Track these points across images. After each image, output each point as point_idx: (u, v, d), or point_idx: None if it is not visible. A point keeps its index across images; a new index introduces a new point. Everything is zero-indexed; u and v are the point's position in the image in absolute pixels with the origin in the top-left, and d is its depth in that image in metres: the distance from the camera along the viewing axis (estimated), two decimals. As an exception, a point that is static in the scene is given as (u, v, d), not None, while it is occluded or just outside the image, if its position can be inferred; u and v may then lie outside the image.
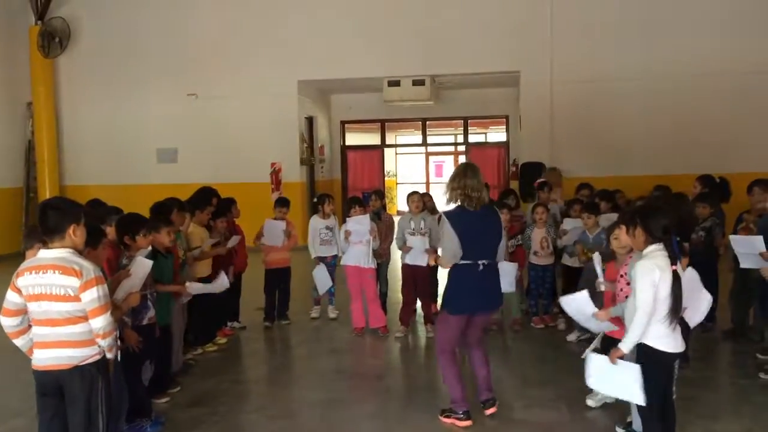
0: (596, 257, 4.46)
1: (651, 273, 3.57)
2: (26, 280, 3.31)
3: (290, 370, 6.24)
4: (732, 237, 5.71)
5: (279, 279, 7.50)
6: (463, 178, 4.53)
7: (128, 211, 4.91)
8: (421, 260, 6.64)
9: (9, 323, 3.41)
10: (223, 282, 5.77)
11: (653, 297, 3.56)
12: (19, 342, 3.47)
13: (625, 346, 3.68)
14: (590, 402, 4.87)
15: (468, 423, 4.60)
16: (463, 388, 4.67)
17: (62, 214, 3.33)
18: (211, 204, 6.62)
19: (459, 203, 4.55)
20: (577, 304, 4.22)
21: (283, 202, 7.57)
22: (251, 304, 7.78)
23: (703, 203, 6.52)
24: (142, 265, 4.24)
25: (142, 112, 13.55)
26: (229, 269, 6.88)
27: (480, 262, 4.52)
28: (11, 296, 3.36)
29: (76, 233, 3.34)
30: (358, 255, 6.91)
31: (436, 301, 7.74)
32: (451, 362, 4.67)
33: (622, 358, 3.71)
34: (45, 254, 3.33)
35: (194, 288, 5.42)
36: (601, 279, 4.35)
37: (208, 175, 11.61)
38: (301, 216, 12.31)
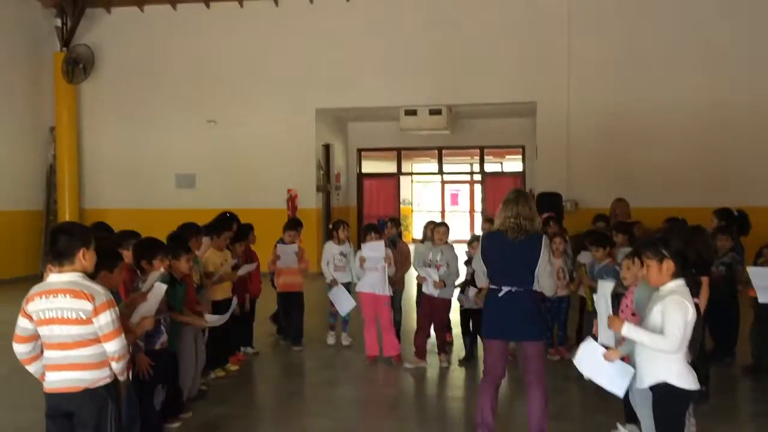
0: (601, 294, 4.30)
1: (686, 313, 3.49)
2: (37, 305, 3.31)
3: (302, 398, 6.19)
4: (750, 269, 5.63)
5: (292, 302, 7.51)
6: (515, 206, 4.46)
7: (146, 236, 4.94)
8: (432, 290, 6.66)
9: (21, 350, 3.41)
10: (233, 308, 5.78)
11: (683, 336, 3.49)
12: (31, 368, 3.47)
13: (626, 330, 3.58)
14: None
15: None
16: (492, 416, 4.50)
17: (72, 239, 3.36)
18: (230, 229, 6.65)
19: (502, 229, 4.48)
20: (588, 355, 4.02)
21: (291, 225, 7.61)
22: (265, 329, 7.75)
23: (723, 235, 6.45)
24: (157, 290, 4.26)
25: (162, 138, 13.76)
26: (246, 297, 6.91)
27: (504, 288, 4.43)
28: (22, 323, 3.36)
29: (85, 257, 3.36)
30: (373, 282, 6.87)
31: (450, 331, 7.69)
32: (487, 388, 4.54)
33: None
34: (55, 279, 3.35)
35: (212, 320, 5.42)
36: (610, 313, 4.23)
37: (225, 201, 11.69)
38: (316, 242, 12.35)
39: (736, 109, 11.55)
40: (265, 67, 13.29)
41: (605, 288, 3.94)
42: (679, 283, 3.59)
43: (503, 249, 4.46)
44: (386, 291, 6.87)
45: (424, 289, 6.80)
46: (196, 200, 13.04)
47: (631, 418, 4.71)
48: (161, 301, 4.33)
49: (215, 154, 13.53)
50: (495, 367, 4.57)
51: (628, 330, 3.59)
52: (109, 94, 13.93)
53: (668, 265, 3.59)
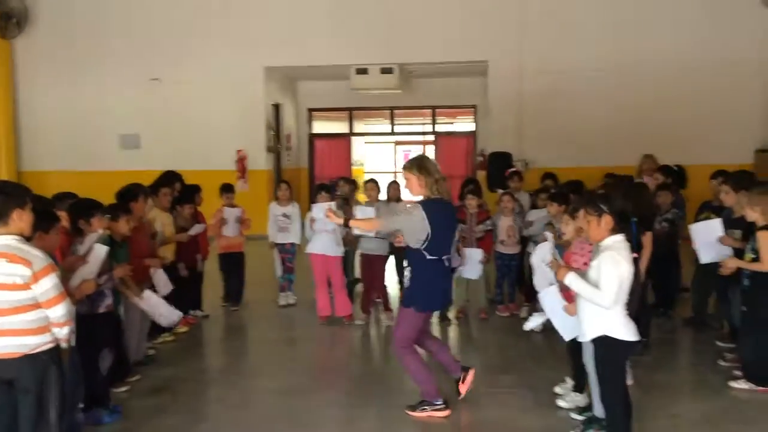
0: (548, 239, 4.42)
1: (620, 268, 3.54)
2: None
3: (252, 359, 6.16)
4: (691, 226, 5.76)
5: (233, 263, 7.49)
6: (435, 167, 4.42)
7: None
8: (369, 233, 6.54)
9: None
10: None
11: (618, 291, 3.55)
12: None
13: (569, 280, 3.65)
14: (559, 390, 4.85)
15: (447, 412, 4.52)
16: (435, 379, 4.58)
17: (5, 198, 3.20)
18: (169, 186, 6.48)
19: (437, 195, 4.36)
20: (551, 297, 4.24)
21: (228, 188, 7.56)
22: (214, 292, 7.66)
23: (663, 192, 6.66)
24: (98, 252, 4.12)
25: (104, 97, 13.20)
26: (197, 257, 6.80)
27: (445, 258, 4.44)
28: None
29: (21, 218, 3.22)
30: (323, 243, 6.82)
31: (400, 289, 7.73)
32: (415, 357, 4.55)
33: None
34: None
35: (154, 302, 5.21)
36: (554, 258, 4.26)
37: (172, 162, 11.23)
38: (266, 204, 12.14)
39: (682, 72, 11.73)
40: (211, 23, 12.81)
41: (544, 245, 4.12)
42: (616, 239, 3.65)
43: (447, 217, 4.47)
44: (337, 252, 6.85)
45: (361, 249, 6.86)
46: (142, 161, 12.58)
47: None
48: (103, 263, 4.20)
49: (161, 114, 13.07)
50: (414, 340, 4.57)
51: (569, 280, 3.67)
52: (46, 51, 13.23)
53: (606, 220, 3.64)
